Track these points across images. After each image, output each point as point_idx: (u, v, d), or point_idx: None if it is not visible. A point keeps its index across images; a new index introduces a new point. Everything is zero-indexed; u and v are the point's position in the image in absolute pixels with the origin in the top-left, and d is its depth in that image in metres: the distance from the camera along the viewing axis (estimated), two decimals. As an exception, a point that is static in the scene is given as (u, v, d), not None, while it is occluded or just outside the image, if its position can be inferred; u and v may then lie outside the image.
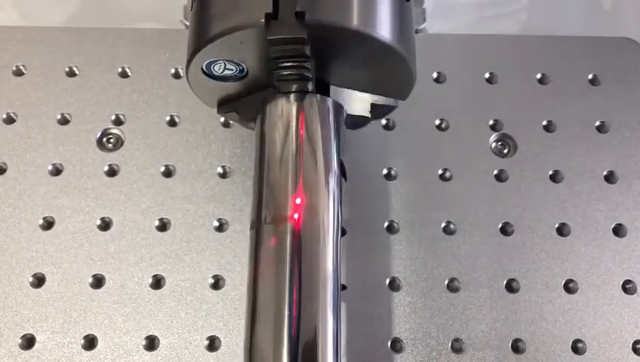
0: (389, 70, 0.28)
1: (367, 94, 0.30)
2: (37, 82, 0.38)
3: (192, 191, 0.36)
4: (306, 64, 0.26)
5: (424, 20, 0.43)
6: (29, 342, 0.33)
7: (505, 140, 0.38)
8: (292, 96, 0.28)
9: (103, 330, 0.33)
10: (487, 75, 0.40)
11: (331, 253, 0.26)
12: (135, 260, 0.34)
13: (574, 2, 0.56)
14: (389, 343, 0.33)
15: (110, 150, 0.37)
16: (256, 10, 0.24)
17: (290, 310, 0.25)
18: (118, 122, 0.38)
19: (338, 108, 0.29)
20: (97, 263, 0.34)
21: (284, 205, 0.26)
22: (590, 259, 0.35)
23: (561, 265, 0.35)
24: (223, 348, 0.33)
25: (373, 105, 0.31)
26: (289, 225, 0.26)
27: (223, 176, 0.37)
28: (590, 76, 0.40)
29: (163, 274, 0.34)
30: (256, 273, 0.26)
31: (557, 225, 0.36)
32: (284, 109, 0.28)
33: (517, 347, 0.33)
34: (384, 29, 0.25)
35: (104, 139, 0.37)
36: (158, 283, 0.34)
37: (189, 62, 0.27)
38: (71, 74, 0.39)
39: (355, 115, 0.31)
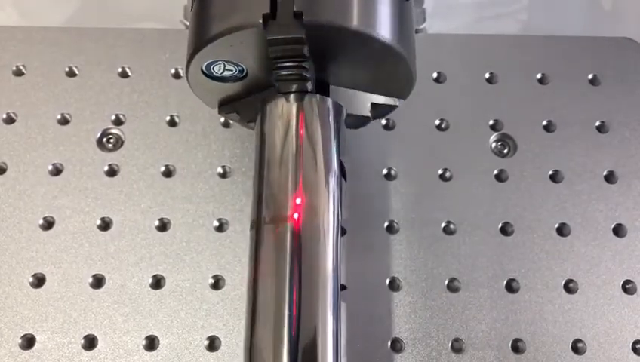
0: (389, 70, 0.28)
1: (367, 93, 0.30)
2: (37, 82, 0.38)
3: (192, 191, 0.36)
4: (304, 64, 0.26)
5: (424, 20, 0.43)
6: (29, 342, 0.33)
7: (505, 140, 0.38)
8: (292, 96, 0.28)
9: (103, 330, 0.33)
10: (487, 75, 0.40)
11: (331, 252, 0.26)
12: (135, 260, 0.34)
13: (574, 2, 0.56)
14: (389, 343, 0.33)
15: (110, 150, 0.37)
16: (255, 11, 0.24)
17: (290, 310, 0.25)
18: (118, 122, 0.38)
19: (338, 108, 0.29)
20: (97, 263, 0.34)
21: (284, 205, 0.26)
22: (590, 259, 0.35)
23: (561, 265, 0.35)
24: (223, 348, 0.33)
25: (373, 105, 0.31)
26: (289, 225, 0.26)
27: (223, 176, 0.37)
28: (590, 76, 0.40)
29: (163, 274, 0.34)
30: (256, 273, 0.26)
31: (557, 225, 0.36)
32: (284, 109, 0.28)
33: (517, 347, 0.33)
34: (384, 29, 0.25)
35: (104, 139, 0.37)
36: (158, 283, 0.34)
37: (188, 62, 0.27)
38: (71, 74, 0.39)
39: (355, 115, 0.31)
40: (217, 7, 0.26)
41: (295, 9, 0.24)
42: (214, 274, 0.34)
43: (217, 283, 0.34)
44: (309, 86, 0.28)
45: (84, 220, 0.35)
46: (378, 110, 0.31)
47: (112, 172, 0.36)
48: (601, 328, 0.34)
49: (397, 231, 0.35)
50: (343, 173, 0.29)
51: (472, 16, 0.55)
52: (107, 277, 0.34)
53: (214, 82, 0.29)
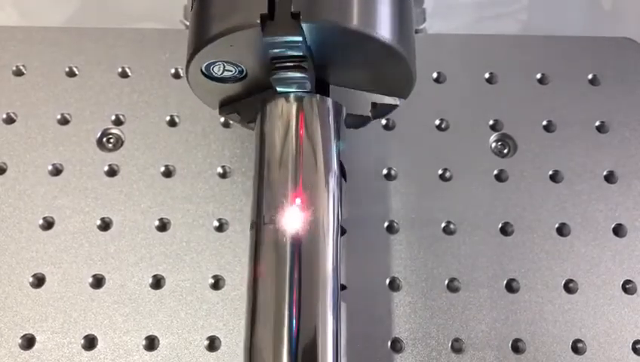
0: (389, 70, 0.28)
1: (367, 93, 0.30)
2: (37, 82, 0.38)
3: (192, 191, 0.36)
4: (303, 64, 0.26)
5: (424, 20, 0.43)
6: (29, 342, 0.33)
7: (505, 140, 0.38)
8: (292, 96, 0.28)
9: (103, 330, 0.33)
10: (487, 75, 0.40)
11: (331, 252, 0.26)
12: (135, 260, 0.34)
13: (574, 2, 0.56)
14: (389, 343, 0.33)
15: (110, 150, 0.37)
16: (254, 11, 0.24)
17: (290, 310, 0.25)
18: (118, 122, 0.38)
19: (338, 108, 0.29)
20: (97, 263, 0.34)
21: (284, 205, 0.26)
22: (590, 259, 0.35)
23: (561, 265, 0.35)
24: (223, 348, 0.33)
25: (373, 105, 0.31)
26: (289, 225, 0.26)
27: (223, 176, 0.37)
28: (590, 76, 0.40)
29: (163, 274, 0.34)
30: (256, 273, 0.26)
31: (557, 225, 0.36)
32: (284, 110, 0.28)
33: (517, 347, 0.33)
34: (384, 29, 0.25)
35: (104, 139, 0.37)
36: (158, 283, 0.34)
37: (188, 62, 0.27)
38: (71, 74, 0.39)
39: (355, 115, 0.31)
40: (217, 8, 0.26)
41: (292, 9, 0.24)
42: (214, 274, 0.34)
43: (217, 283, 0.34)
44: (309, 86, 0.27)
45: (84, 220, 0.35)
46: (378, 110, 0.31)
47: (112, 172, 0.36)
48: (601, 328, 0.34)
49: (397, 231, 0.35)
50: (342, 173, 0.29)
51: (472, 16, 0.55)
52: (107, 277, 0.34)
53: (214, 83, 0.29)
